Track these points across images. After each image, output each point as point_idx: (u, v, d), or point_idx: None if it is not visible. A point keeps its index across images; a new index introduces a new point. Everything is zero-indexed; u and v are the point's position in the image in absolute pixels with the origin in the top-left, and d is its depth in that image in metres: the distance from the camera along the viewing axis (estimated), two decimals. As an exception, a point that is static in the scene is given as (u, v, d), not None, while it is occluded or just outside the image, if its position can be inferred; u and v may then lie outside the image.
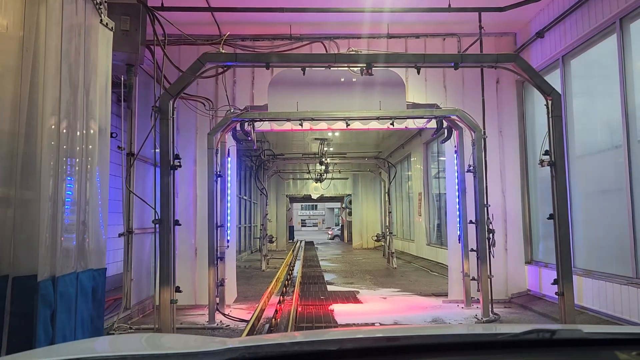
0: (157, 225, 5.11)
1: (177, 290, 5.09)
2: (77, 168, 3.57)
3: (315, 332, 2.55)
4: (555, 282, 5.14)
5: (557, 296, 7.61)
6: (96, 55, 3.87)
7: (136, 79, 7.57)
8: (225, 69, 5.91)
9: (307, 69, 8.90)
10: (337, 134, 16.20)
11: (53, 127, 3.29)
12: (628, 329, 2.23)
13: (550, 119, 5.23)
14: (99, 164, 3.98)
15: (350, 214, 29.47)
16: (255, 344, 1.44)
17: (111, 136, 4.66)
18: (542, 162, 5.29)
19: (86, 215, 3.66)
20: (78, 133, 3.60)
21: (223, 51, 5.43)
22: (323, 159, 17.27)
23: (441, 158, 15.31)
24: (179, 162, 5.23)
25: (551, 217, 5.20)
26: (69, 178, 3.48)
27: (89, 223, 3.69)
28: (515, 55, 5.57)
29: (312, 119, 7.64)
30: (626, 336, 1.51)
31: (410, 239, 19.18)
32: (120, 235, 6.82)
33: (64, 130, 3.41)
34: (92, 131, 3.83)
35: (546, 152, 5.24)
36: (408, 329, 2.20)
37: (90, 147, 3.80)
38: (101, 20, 4.00)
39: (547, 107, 5.28)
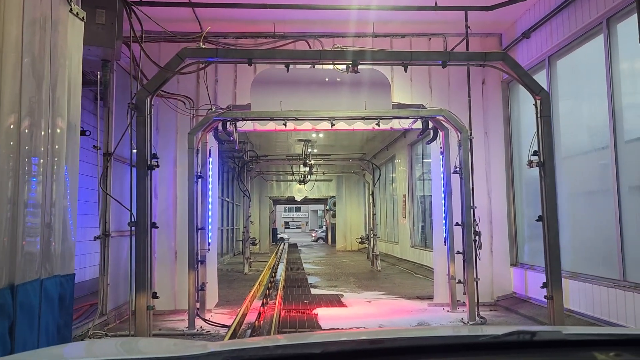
0: (132, 228, 4.87)
1: (154, 296, 4.86)
2: (41, 169, 3.30)
3: (299, 335, 2.66)
4: (545, 285, 5.03)
5: (543, 299, 7.54)
6: (64, 46, 3.61)
7: (113, 76, 7.32)
8: (205, 64, 5.69)
9: (291, 68, 8.74)
10: (321, 135, 16.03)
11: (12, 126, 3.02)
12: (606, 330, 2.25)
13: (539, 119, 5.12)
14: (67, 163, 3.71)
15: (334, 216, 29.33)
16: (238, 348, 1.41)
17: (84, 134, 4.42)
18: (530, 162, 5.19)
19: (52, 217, 3.40)
20: (42, 132, 3.33)
21: (203, 46, 5.22)
22: (307, 161, 17.09)
23: (426, 160, 15.24)
24: (157, 162, 5.01)
25: (540, 219, 5.10)
26: (33, 179, 3.22)
27: (54, 226, 3.43)
28: (504, 53, 5.47)
29: (296, 119, 7.45)
30: (604, 337, 1.54)
31: (394, 241, 19.09)
32: (95, 238, 6.55)
33: (26, 130, 3.14)
34: (58, 129, 3.56)
35: (535, 153, 5.14)
36: (392, 332, 2.17)
37: (56, 146, 3.52)
38: (71, 9, 3.75)
39: (536, 107, 5.18)
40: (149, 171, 4.90)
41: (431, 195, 14.78)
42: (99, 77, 6.65)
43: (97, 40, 5.00)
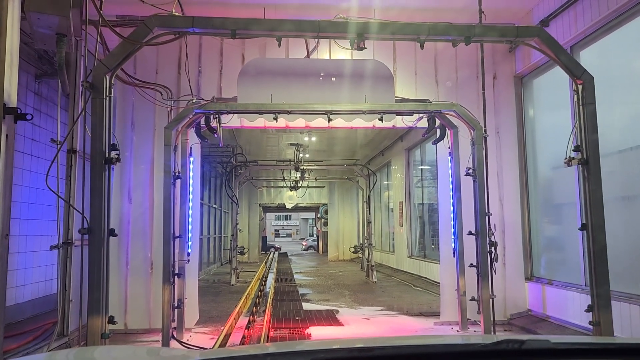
0: (84, 236, 3.92)
1: (111, 321, 3.91)
2: None
3: (288, 343, 2.35)
4: (590, 308, 4.15)
5: (564, 318, 6.68)
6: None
7: (81, 61, 6.40)
8: (177, 35, 4.80)
9: (284, 58, 7.89)
10: (313, 139, 15.17)
11: None
12: (593, 339, 2.23)
13: (581, 107, 4.28)
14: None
15: (325, 224, 28.36)
16: (226, 356, 1.40)
17: (23, 118, 3.49)
18: (570, 160, 4.33)
19: None
20: None
21: (176, 14, 4.32)
22: (299, 165, 16.20)
23: (424, 166, 14.41)
24: (117, 154, 4.07)
25: (583, 227, 4.24)
26: None
27: None
28: (539, 28, 4.64)
29: (289, 112, 6.55)
30: (591, 346, 1.55)
31: (389, 250, 18.20)
32: (52, 247, 5.58)
33: None
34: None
35: (576, 148, 4.29)
36: (383, 340, 2.12)
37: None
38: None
39: (577, 93, 4.34)
40: (106, 166, 3.96)
41: (430, 203, 13.99)
42: (63, 61, 5.72)
43: (47, 6, 4.09)
